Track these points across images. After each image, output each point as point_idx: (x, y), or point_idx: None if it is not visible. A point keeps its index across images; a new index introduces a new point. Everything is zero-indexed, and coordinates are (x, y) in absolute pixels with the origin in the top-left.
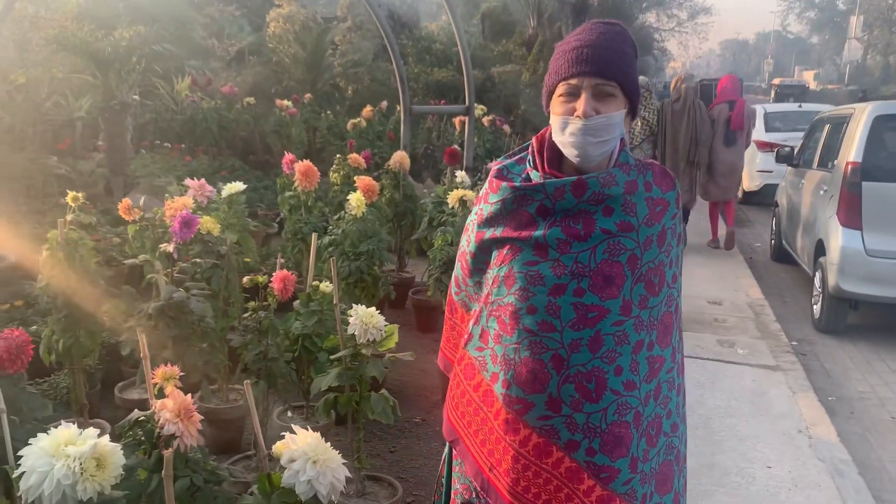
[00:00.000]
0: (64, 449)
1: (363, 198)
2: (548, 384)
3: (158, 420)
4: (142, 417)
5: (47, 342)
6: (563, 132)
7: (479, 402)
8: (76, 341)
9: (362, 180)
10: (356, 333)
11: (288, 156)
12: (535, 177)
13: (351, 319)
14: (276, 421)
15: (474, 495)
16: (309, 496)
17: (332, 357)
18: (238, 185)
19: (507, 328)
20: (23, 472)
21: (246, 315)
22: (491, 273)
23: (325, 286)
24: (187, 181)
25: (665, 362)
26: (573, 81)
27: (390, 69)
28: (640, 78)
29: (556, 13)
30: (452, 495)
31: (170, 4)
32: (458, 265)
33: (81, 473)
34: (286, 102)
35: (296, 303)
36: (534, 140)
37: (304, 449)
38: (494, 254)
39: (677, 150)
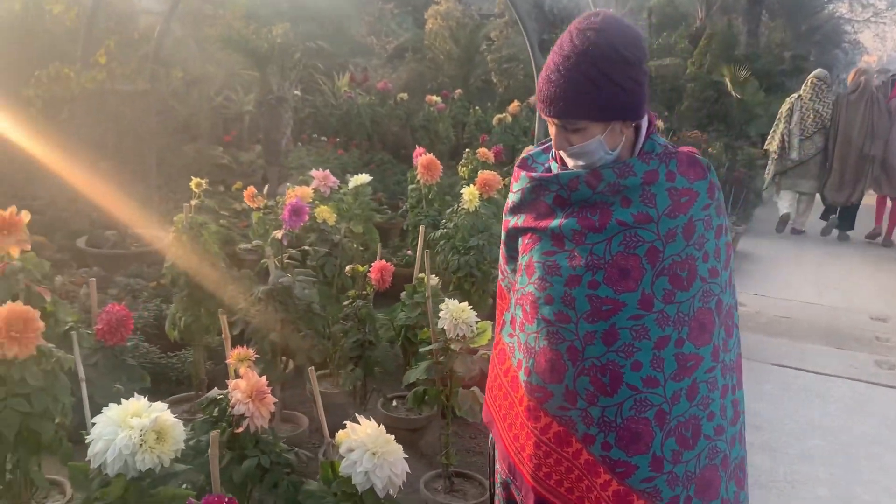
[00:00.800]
0: (129, 420)
1: (477, 192)
2: (564, 375)
3: (231, 399)
4: (219, 396)
5: (172, 319)
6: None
7: (508, 387)
8: (197, 319)
9: (483, 174)
10: (446, 328)
11: (418, 149)
12: (555, 168)
13: (441, 313)
14: (381, 410)
15: (512, 477)
16: (365, 488)
17: (421, 350)
18: (364, 178)
19: (529, 317)
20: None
21: (346, 303)
22: (518, 261)
23: (432, 278)
24: (312, 172)
25: (702, 361)
26: (543, 115)
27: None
28: (818, 71)
29: (728, 4)
30: (496, 473)
31: (331, 3)
32: (500, 252)
33: (141, 444)
34: (435, 98)
35: (403, 294)
36: None
37: (363, 440)
38: (520, 242)
39: (850, 141)
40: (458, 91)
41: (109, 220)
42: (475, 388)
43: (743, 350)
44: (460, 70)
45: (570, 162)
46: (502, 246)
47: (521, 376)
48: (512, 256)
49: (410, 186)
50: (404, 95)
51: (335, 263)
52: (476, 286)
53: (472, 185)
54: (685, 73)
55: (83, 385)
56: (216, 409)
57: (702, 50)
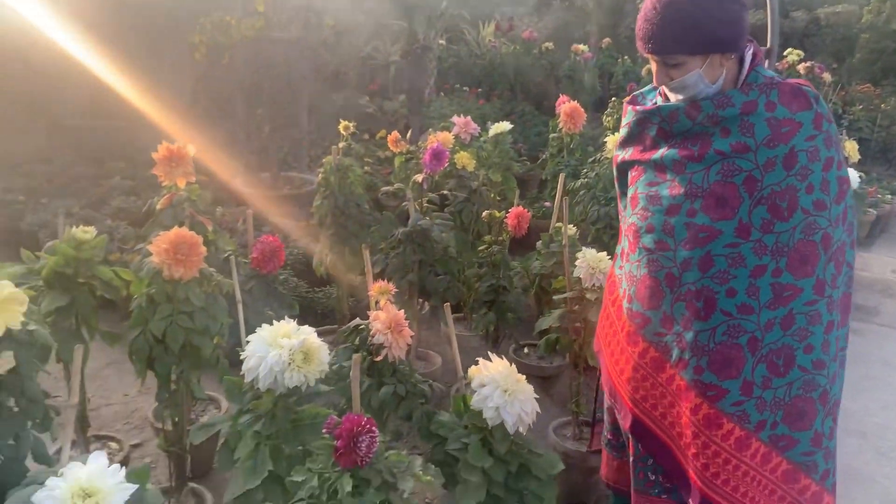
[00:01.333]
0: (279, 339)
1: None
2: (662, 301)
3: (371, 329)
4: (361, 325)
5: (319, 256)
6: None
7: (614, 315)
8: (341, 257)
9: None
10: (582, 277)
11: (561, 97)
12: (661, 102)
13: (578, 262)
14: (512, 356)
15: (613, 401)
16: (496, 423)
17: (555, 298)
18: (504, 125)
19: (632, 246)
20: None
21: (482, 248)
22: (627, 195)
23: (570, 228)
24: (454, 118)
25: (801, 293)
26: (643, 53)
27: None
28: None
29: None
30: (604, 399)
31: None
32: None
33: (290, 363)
34: (582, 47)
35: (538, 243)
36: None
37: (494, 376)
38: (629, 176)
39: None
40: (607, 40)
41: (264, 163)
42: None
43: None
44: (609, 18)
45: (672, 96)
46: (615, 182)
47: (625, 303)
48: (623, 192)
49: (552, 135)
50: (549, 45)
51: (472, 210)
52: (615, 238)
53: (616, 134)
54: (860, 21)
55: (240, 307)
56: (357, 338)
57: None
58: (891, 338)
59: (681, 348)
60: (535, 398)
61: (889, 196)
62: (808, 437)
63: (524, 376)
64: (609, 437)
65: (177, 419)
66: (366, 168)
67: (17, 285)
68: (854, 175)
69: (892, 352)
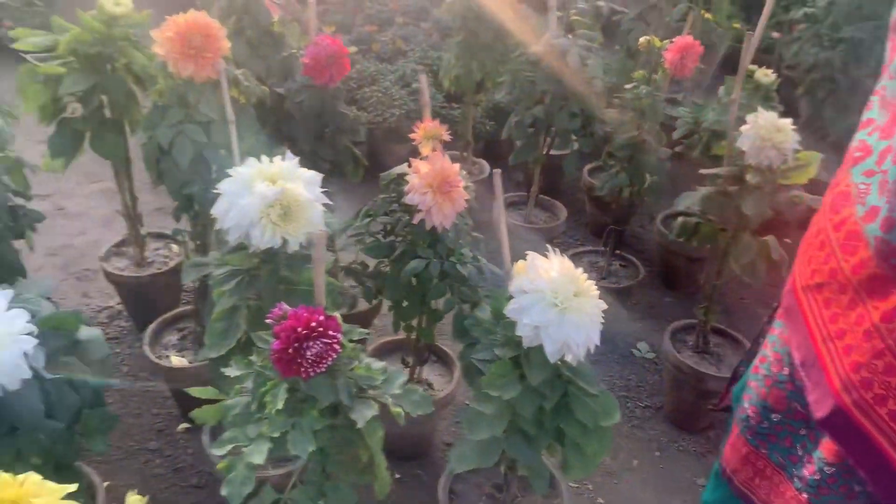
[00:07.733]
0: (256, 184)
1: None
2: None
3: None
4: (407, 174)
5: (447, 67)
6: None
7: (836, 245)
8: (468, 72)
9: None
10: (746, 149)
11: None
12: None
13: (744, 127)
14: (659, 227)
15: (785, 370)
16: (532, 344)
17: (701, 171)
18: None
19: None
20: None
21: (628, 87)
22: None
23: (765, 73)
24: None
25: None
26: None
27: None
28: None
29: None
30: (757, 362)
31: None
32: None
33: (261, 217)
34: None
35: (721, 88)
36: None
37: (543, 283)
38: None
39: None
40: None
41: None
42: (770, 238)
43: None
44: None
45: None
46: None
47: (871, 230)
48: None
49: None
50: None
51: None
52: (835, 95)
53: None
54: None
55: (232, 128)
56: (396, 191)
57: None
58: None
59: None
60: (602, 322)
61: None
62: None
63: (594, 289)
64: (750, 413)
65: (199, 242)
66: None
67: (40, 60)
68: None
69: None
